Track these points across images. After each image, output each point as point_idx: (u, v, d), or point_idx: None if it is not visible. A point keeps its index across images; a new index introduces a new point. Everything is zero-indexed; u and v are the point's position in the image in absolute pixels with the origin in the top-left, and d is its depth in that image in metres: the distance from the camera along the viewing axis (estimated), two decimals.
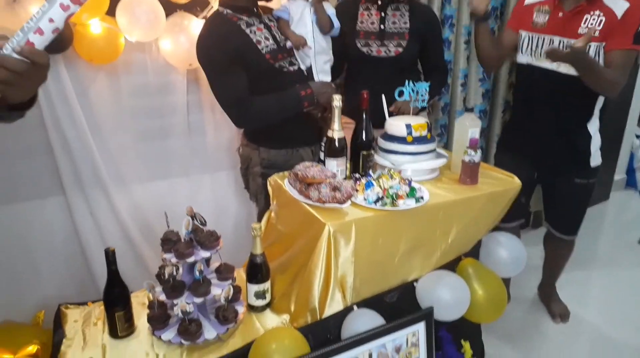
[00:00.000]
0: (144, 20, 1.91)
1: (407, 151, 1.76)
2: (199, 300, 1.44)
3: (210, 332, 1.46)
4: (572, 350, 2.29)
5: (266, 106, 1.82)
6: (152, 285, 1.47)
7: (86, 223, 2.16)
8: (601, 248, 3.28)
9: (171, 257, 1.45)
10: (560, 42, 1.94)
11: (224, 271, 1.55)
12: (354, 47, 2.16)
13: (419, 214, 1.58)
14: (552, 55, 1.75)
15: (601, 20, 1.86)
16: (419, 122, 1.77)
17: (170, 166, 2.31)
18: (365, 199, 1.55)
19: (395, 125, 1.78)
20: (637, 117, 3.85)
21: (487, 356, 2.14)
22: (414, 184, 1.60)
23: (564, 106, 2.03)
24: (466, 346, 1.84)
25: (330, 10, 1.93)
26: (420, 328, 1.62)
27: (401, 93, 1.84)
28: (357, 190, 1.58)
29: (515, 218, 2.32)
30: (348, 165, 1.76)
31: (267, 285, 1.59)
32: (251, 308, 1.61)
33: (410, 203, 1.54)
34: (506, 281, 2.06)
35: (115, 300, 1.47)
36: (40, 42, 0.85)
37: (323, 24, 1.91)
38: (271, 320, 1.58)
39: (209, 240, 1.47)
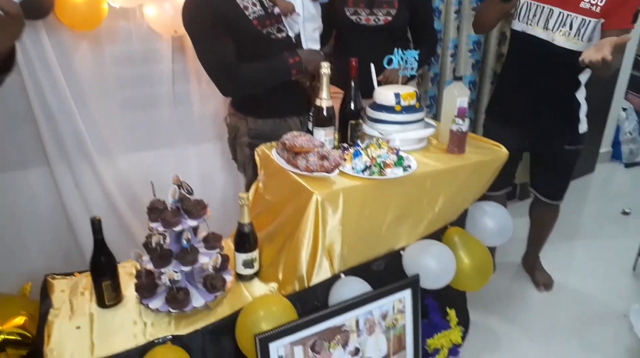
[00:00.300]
0: None
1: (396, 120, 1.75)
2: (186, 269, 1.44)
3: (198, 300, 1.46)
4: (556, 317, 2.34)
5: (253, 73, 1.78)
6: (139, 254, 1.46)
7: (71, 194, 2.13)
8: (585, 219, 3.33)
9: (158, 226, 1.43)
10: (560, 14, 1.92)
11: (212, 240, 1.55)
12: (343, 15, 2.12)
13: (407, 183, 1.59)
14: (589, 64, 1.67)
15: None
16: (407, 91, 1.76)
17: (156, 136, 2.27)
18: (353, 168, 1.55)
19: (384, 94, 1.76)
20: (624, 90, 3.87)
21: (472, 323, 2.18)
22: (401, 153, 1.60)
23: (555, 74, 2.03)
24: (452, 314, 1.88)
25: None
26: (406, 295, 1.65)
27: (390, 61, 1.82)
28: (345, 159, 1.58)
29: (503, 186, 2.34)
30: (336, 135, 1.75)
31: (255, 254, 1.59)
32: (239, 277, 1.61)
33: (398, 172, 1.54)
34: (492, 251, 2.08)
35: (102, 269, 1.46)
36: None
37: None
38: (259, 288, 1.59)
39: (196, 208, 1.46)
